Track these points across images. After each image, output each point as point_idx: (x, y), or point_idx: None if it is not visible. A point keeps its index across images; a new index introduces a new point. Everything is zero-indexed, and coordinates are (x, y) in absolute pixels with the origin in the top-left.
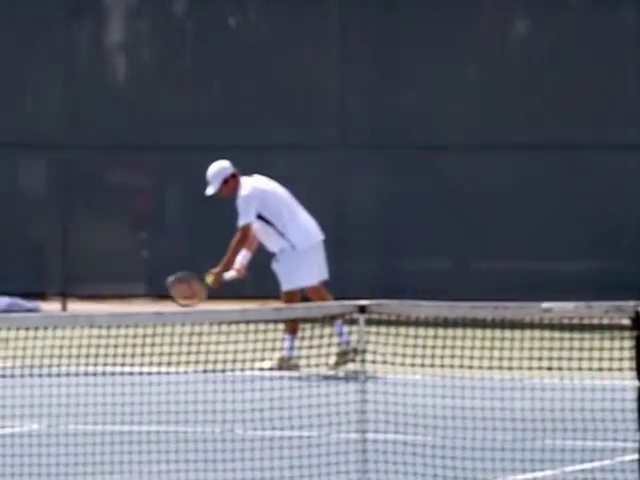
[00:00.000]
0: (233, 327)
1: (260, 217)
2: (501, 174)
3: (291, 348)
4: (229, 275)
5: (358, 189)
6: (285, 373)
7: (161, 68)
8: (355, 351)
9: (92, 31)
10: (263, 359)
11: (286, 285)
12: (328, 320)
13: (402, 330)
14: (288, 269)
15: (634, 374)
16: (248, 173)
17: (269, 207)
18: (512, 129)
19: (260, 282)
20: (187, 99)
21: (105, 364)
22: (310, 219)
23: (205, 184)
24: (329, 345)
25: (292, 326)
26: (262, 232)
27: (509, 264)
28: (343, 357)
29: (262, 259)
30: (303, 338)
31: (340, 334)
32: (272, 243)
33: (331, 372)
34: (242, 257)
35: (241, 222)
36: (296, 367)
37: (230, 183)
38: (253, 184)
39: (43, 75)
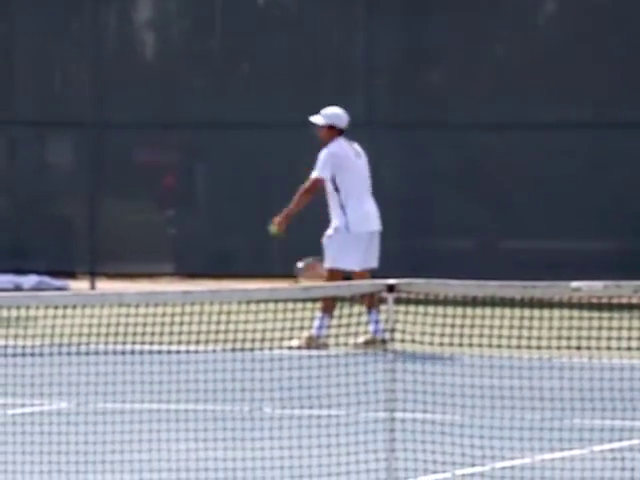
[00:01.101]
0: (262, 306)
1: (332, 180)
2: (529, 153)
3: (320, 327)
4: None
5: (386, 168)
6: (314, 352)
7: (189, 47)
8: (383, 342)
9: (120, 10)
10: (292, 338)
11: (329, 263)
12: (367, 306)
13: (431, 309)
14: (336, 249)
15: None
16: (276, 150)
17: (343, 174)
18: (540, 108)
19: (289, 261)
20: (215, 77)
21: (134, 342)
22: (374, 207)
23: (234, 163)
24: (358, 324)
25: (327, 304)
26: (329, 197)
27: (537, 243)
28: (370, 345)
29: (292, 238)
30: (333, 317)
31: (376, 322)
32: (333, 213)
33: (353, 351)
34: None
35: (314, 174)
36: (325, 346)
37: (332, 132)
38: (343, 146)
39: (72, 54)
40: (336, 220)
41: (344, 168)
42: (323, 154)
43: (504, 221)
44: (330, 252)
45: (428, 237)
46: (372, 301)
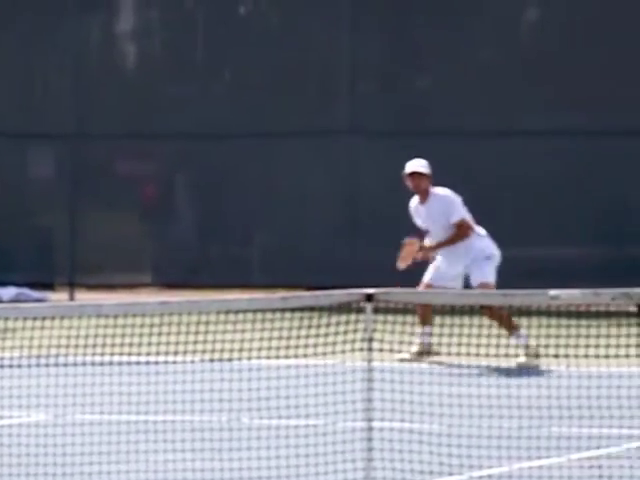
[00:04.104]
0: (240, 316)
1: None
2: (510, 160)
3: (424, 335)
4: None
5: (369, 175)
6: (292, 362)
7: (171, 57)
8: (428, 354)
9: (103, 21)
10: (270, 348)
11: (488, 278)
12: (510, 330)
13: (409, 318)
14: (493, 270)
15: None
16: (259, 159)
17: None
18: (523, 115)
19: (268, 271)
20: (198, 87)
21: (112, 353)
22: None
23: (215, 173)
24: (336, 334)
25: (422, 316)
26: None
27: (516, 251)
28: (420, 356)
29: (271, 247)
30: (310, 327)
31: (429, 334)
32: (462, 243)
33: (406, 358)
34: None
35: (456, 219)
36: (435, 354)
37: (429, 182)
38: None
39: (54, 65)
40: (479, 245)
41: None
42: (448, 199)
43: (486, 228)
44: (488, 270)
45: None
46: (424, 316)
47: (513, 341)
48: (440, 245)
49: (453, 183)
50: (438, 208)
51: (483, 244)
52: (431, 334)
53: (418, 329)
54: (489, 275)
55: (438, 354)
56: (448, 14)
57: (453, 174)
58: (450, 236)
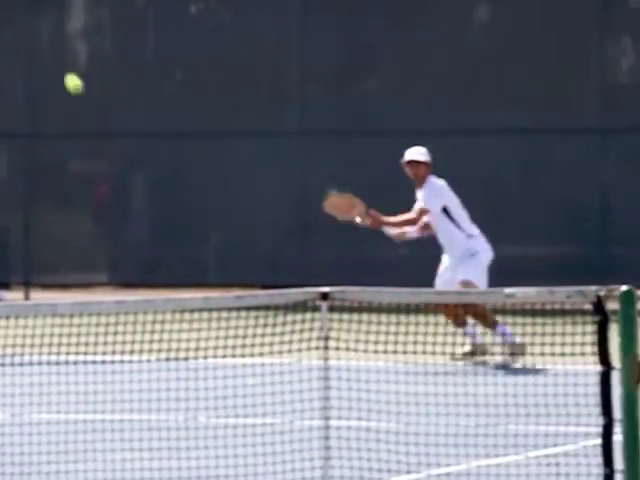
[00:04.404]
0: (196, 315)
1: (444, 210)
2: (462, 159)
3: (474, 335)
4: (388, 231)
5: (320, 175)
6: (247, 360)
7: (122, 56)
8: (483, 352)
9: (53, 20)
10: (226, 347)
11: (469, 277)
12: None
13: (365, 317)
14: (478, 269)
15: (596, 359)
16: (211, 159)
17: (451, 204)
18: (476, 115)
19: (223, 270)
20: (149, 86)
21: (68, 353)
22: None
23: (168, 172)
24: (292, 332)
25: (452, 317)
26: (438, 225)
27: None
28: (473, 355)
29: (226, 246)
30: (266, 326)
31: (474, 334)
32: (453, 239)
33: (458, 361)
34: (410, 231)
35: (421, 205)
36: (488, 353)
37: (427, 169)
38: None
39: (4, 64)
40: (465, 244)
41: (451, 198)
42: (433, 188)
43: None
44: (471, 268)
45: (363, 244)
46: (480, 315)
47: (495, 337)
48: (389, 222)
49: (406, 184)
50: (423, 195)
51: (470, 243)
52: (475, 333)
53: (459, 330)
54: (470, 273)
55: (492, 354)
56: (399, 16)
57: (401, 174)
58: (403, 217)
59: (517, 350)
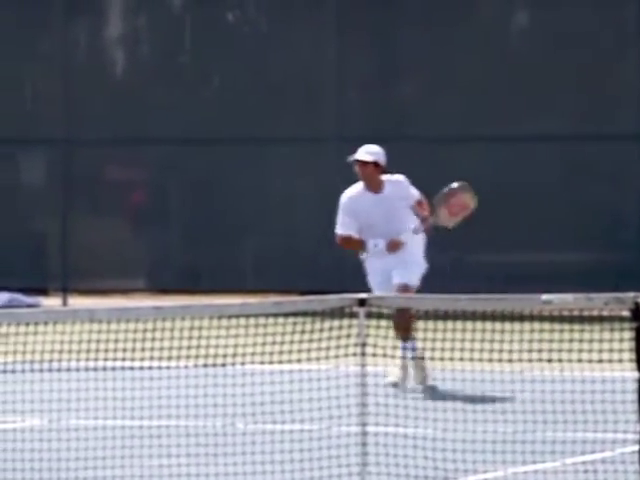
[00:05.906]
0: (233, 321)
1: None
2: (500, 165)
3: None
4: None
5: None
6: (285, 367)
7: (159, 63)
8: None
9: (90, 27)
10: (263, 353)
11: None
12: None
13: None
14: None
15: (634, 365)
16: (248, 165)
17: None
18: (511, 121)
19: (261, 276)
20: (186, 94)
21: (105, 359)
22: None
23: (206, 178)
24: (329, 339)
25: (407, 330)
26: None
27: (508, 256)
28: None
29: (264, 252)
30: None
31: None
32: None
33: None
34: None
35: (419, 195)
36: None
37: (378, 171)
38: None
39: (42, 71)
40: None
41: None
42: (407, 184)
43: (475, 234)
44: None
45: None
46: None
47: (404, 348)
48: (427, 217)
49: (437, 189)
50: (398, 193)
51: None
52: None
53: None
54: (407, 277)
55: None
56: (434, 23)
57: (437, 180)
58: (426, 210)
59: (403, 372)
